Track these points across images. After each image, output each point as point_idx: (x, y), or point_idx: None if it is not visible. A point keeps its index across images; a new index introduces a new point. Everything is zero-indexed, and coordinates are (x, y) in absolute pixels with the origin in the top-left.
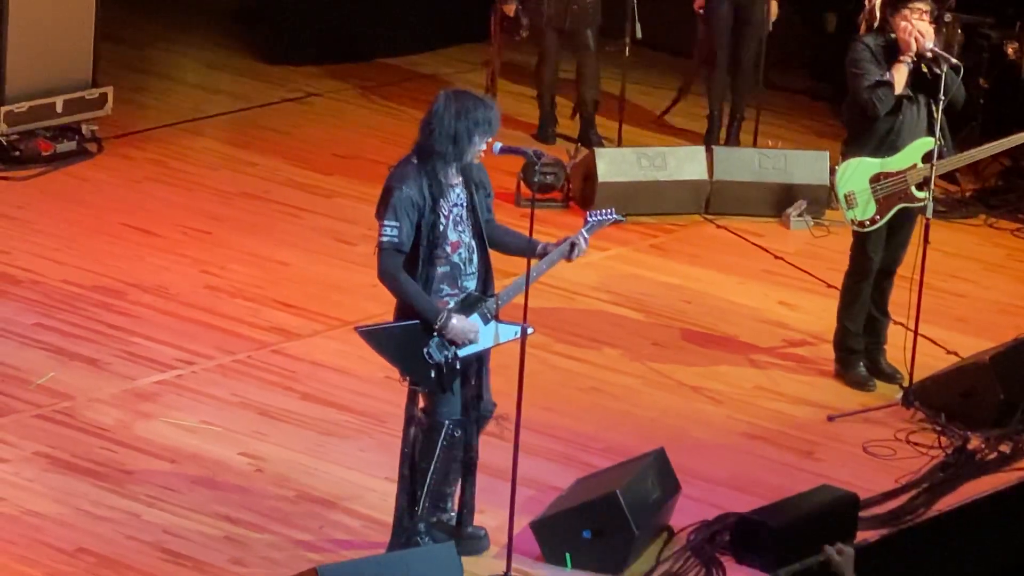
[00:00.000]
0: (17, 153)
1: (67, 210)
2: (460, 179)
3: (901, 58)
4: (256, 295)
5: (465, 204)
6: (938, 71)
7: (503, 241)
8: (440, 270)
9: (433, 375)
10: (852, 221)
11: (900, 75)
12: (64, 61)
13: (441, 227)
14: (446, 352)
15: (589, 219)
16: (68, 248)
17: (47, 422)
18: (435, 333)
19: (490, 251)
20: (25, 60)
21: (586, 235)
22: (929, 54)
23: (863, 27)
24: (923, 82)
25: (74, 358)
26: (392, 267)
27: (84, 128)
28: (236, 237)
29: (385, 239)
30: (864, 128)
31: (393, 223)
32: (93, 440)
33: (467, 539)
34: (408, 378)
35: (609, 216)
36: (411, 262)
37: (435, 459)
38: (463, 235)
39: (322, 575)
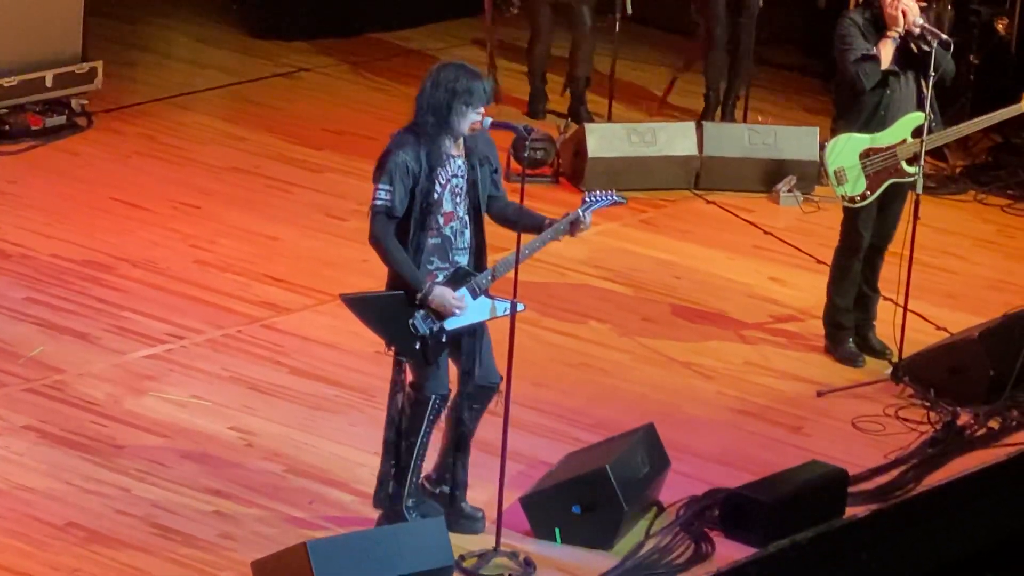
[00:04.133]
0: (6, 127)
1: (57, 184)
2: (462, 152)
3: (888, 33)
4: (246, 270)
5: (465, 177)
6: (927, 47)
7: (507, 216)
8: (431, 241)
9: (418, 346)
10: (843, 197)
11: (887, 50)
12: (54, 35)
13: (436, 195)
14: (431, 324)
15: (587, 199)
16: (58, 222)
17: (37, 396)
18: (419, 304)
19: (486, 227)
20: (14, 34)
21: (576, 219)
22: (918, 30)
23: (852, 2)
24: (911, 57)
25: (64, 332)
26: (381, 231)
27: (74, 102)
28: (226, 212)
29: (379, 202)
30: (852, 104)
31: (387, 187)
32: (83, 414)
33: (463, 518)
34: (392, 348)
35: (608, 197)
36: (404, 229)
37: (422, 434)
38: (459, 208)
39: (312, 549)
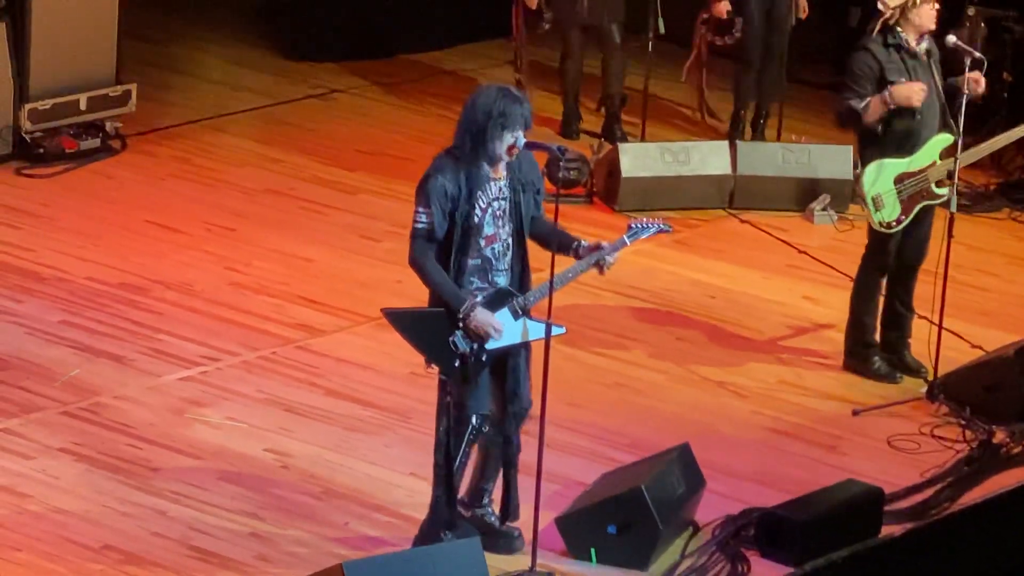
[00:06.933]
0: (41, 150)
1: (91, 207)
2: (504, 174)
3: (886, 100)
4: (281, 291)
5: (508, 199)
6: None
7: (539, 234)
8: (471, 262)
9: (457, 364)
10: (880, 224)
11: (874, 111)
12: (88, 58)
13: (476, 219)
14: (471, 343)
15: (632, 226)
16: (92, 245)
17: (73, 419)
18: (459, 322)
19: (528, 248)
20: (49, 57)
21: (625, 243)
22: (927, 43)
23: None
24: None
25: (99, 355)
26: (421, 254)
27: (108, 125)
28: (260, 234)
29: (418, 226)
30: (883, 129)
31: (425, 210)
32: (119, 437)
33: (502, 538)
34: (432, 366)
35: (653, 225)
36: (444, 251)
37: (460, 454)
38: (501, 230)
39: (348, 571)
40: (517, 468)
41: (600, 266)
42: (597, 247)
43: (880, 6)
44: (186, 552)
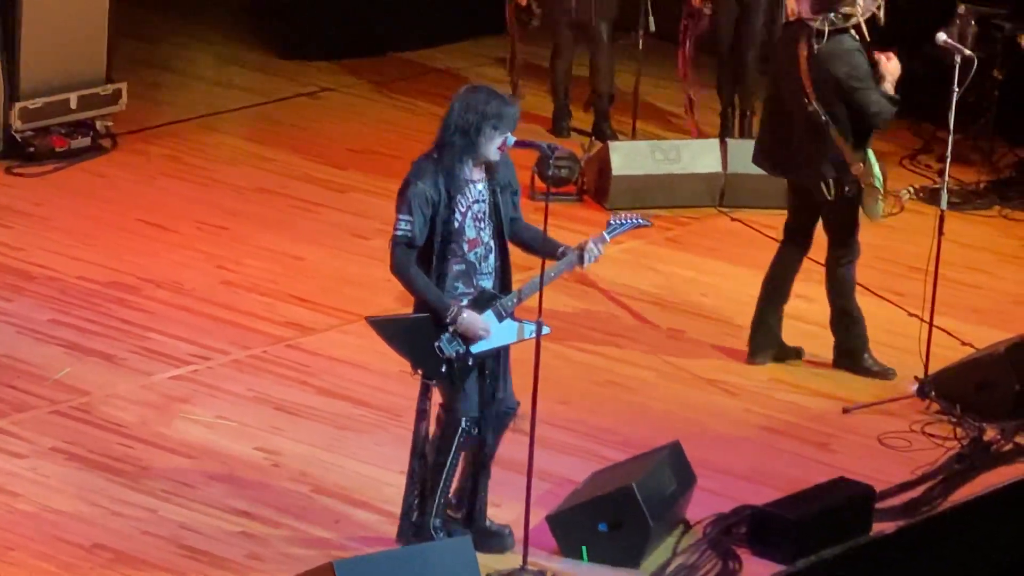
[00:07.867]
0: (32, 149)
1: (82, 206)
2: (483, 176)
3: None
4: (272, 290)
5: (487, 201)
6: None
7: (523, 240)
8: (455, 268)
9: (444, 369)
10: (882, 215)
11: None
12: (78, 57)
13: (456, 223)
14: (458, 347)
15: (612, 222)
16: (83, 244)
17: (63, 418)
18: (446, 327)
19: (510, 250)
20: (39, 56)
21: (605, 239)
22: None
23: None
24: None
25: (90, 354)
26: (403, 261)
27: (98, 124)
28: (251, 232)
29: (399, 233)
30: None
31: (407, 217)
32: (109, 436)
33: (492, 536)
34: (419, 371)
35: (633, 221)
36: (426, 257)
37: (451, 455)
38: (482, 233)
39: (338, 569)
40: (488, 471)
41: (581, 258)
42: (580, 248)
43: (849, 8)
44: (177, 551)
